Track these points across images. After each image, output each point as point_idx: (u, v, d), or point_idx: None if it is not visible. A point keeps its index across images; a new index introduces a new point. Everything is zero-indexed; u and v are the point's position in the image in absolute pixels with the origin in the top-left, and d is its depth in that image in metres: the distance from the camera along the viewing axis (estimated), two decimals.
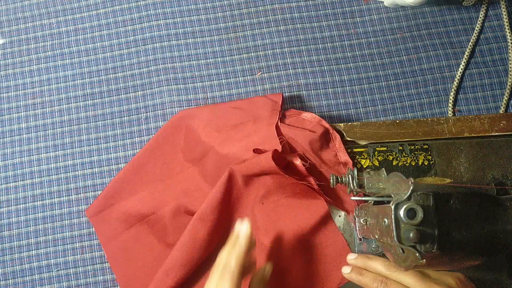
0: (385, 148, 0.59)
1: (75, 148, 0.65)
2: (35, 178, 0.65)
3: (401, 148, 0.59)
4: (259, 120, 0.59)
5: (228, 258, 0.46)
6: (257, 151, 0.56)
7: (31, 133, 0.66)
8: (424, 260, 0.40)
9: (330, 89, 0.66)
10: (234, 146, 0.58)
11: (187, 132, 0.62)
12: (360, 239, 0.55)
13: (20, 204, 0.64)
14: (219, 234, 0.57)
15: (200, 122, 0.61)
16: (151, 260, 0.60)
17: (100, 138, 0.66)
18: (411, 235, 0.39)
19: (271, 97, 0.62)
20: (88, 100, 0.67)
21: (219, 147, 0.59)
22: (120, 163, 0.65)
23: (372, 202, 0.50)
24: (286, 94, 0.66)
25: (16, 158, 0.65)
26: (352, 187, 0.51)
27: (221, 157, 0.58)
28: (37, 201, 0.64)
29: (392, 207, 0.41)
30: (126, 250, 0.61)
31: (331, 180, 0.52)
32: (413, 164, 0.59)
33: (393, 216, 0.40)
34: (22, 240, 0.63)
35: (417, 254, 0.40)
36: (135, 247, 0.60)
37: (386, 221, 0.42)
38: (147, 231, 0.61)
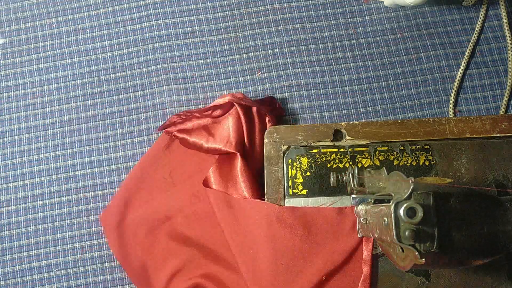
0: (386, 148, 0.59)
1: (75, 148, 0.65)
2: (35, 178, 0.65)
3: (402, 148, 0.59)
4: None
5: None
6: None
7: (31, 133, 0.66)
8: (424, 259, 0.40)
9: (330, 89, 0.66)
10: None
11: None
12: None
13: (20, 204, 0.64)
14: None
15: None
16: (178, 268, 0.60)
17: (100, 138, 0.66)
18: (406, 233, 0.39)
19: None
20: (88, 100, 0.67)
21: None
22: (120, 163, 0.65)
23: (372, 201, 0.50)
24: (286, 94, 0.66)
25: (16, 158, 0.66)
26: (352, 185, 0.51)
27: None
28: (37, 201, 0.64)
29: (392, 206, 0.41)
30: (148, 264, 0.61)
31: (331, 179, 0.52)
32: (414, 164, 0.59)
33: (393, 215, 0.40)
34: (22, 240, 0.63)
35: (417, 253, 0.40)
36: (158, 259, 0.61)
37: (386, 220, 0.42)
38: (167, 238, 0.61)
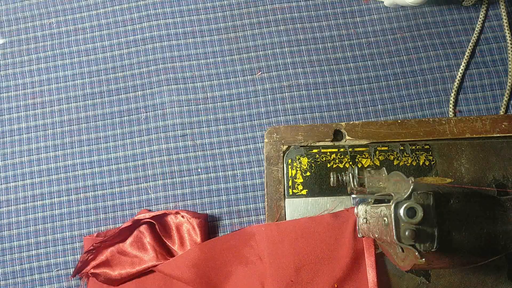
0: (386, 148, 0.59)
1: (75, 148, 0.65)
2: (35, 178, 0.65)
3: (402, 148, 0.59)
4: None
5: None
6: None
7: (31, 133, 0.66)
8: (424, 259, 0.40)
9: (330, 89, 0.66)
10: None
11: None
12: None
13: (20, 204, 0.64)
14: None
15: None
16: None
17: (100, 138, 0.66)
18: (406, 233, 0.39)
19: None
20: (88, 100, 0.67)
21: None
22: (120, 163, 0.65)
23: (372, 201, 0.50)
24: (286, 94, 0.66)
25: (16, 158, 0.66)
26: (352, 185, 0.51)
27: None
28: (37, 201, 0.64)
29: (392, 206, 0.41)
30: None
31: (331, 179, 0.52)
32: (414, 164, 0.59)
33: (393, 215, 0.40)
34: (22, 240, 0.63)
35: (417, 253, 0.40)
36: None
37: (386, 220, 0.42)
38: None
